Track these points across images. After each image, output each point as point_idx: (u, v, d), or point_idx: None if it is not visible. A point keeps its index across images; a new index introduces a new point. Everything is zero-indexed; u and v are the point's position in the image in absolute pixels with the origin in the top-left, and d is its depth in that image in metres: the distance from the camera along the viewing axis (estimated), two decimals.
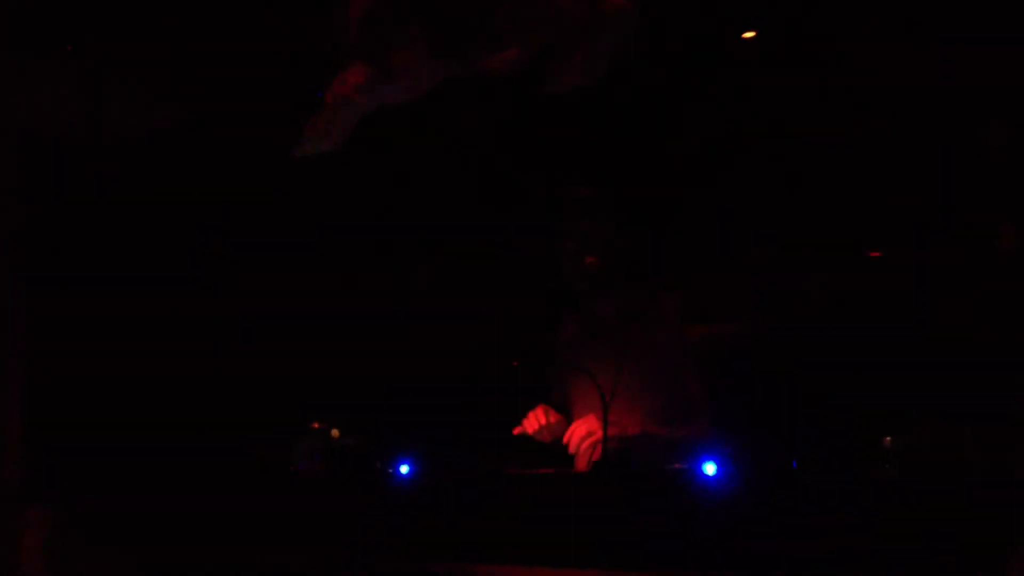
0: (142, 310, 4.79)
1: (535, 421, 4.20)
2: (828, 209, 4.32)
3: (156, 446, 4.52)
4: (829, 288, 4.18)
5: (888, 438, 3.85)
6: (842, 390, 4.09)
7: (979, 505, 3.65)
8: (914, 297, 4.10)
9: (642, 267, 4.29)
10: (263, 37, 4.49)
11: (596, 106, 4.52)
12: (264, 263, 4.81)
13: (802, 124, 4.37)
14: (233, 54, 4.59)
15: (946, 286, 4.10)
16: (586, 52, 4.12)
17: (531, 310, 4.70)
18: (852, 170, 4.28)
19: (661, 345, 4.18)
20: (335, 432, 4.48)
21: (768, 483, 3.65)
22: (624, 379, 3.98)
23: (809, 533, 3.42)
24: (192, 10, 4.55)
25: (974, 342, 4.03)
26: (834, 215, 4.30)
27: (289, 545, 3.94)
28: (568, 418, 4.25)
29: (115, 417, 4.70)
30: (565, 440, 4.10)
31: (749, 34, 4.50)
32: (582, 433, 4.04)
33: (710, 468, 3.58)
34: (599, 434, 3.91)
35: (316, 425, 4.39)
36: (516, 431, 4.23)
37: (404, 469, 3.88)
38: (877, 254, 4.15)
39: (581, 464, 4.10)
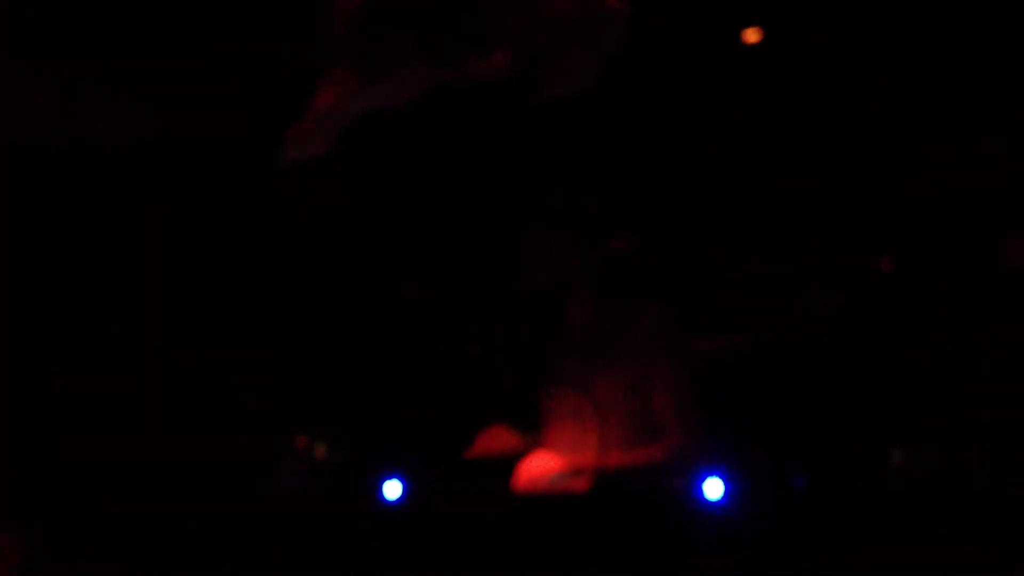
0: (119, 320, 4.69)
1: (489, 443, 4.08)
2: (831, 222, 4.24)
3: (134, 463, 4.41)
4: (835, 302, 4.10)
5: (896, 453, 3.77)
6: (849, 405, 4.00)
7: (986, 521, 3.58)
8: (919, 310, 4.03)
9: (619, 279, 4.19)
10: (248, 41, 4.39)
11: (585, 111, 4.41)
12: (247, 270, 4.70)
13: (801, 136, 4.29)
14: (217, 60, 4.49)
15: (950, 300, 4.03)
16: (578, 57, 4.03)
17: (519, 321, 4.59)
18: (857, 182, 4.20)
19: (635, 361, 4.07)
20: (320, 449, 4.40)
21: (774, 502, 3.57)
22: (595, 398, 3.94)
23: (817, 551, 3.35)
24: (174, 16, 4.46)
25: (979, 357, 3.96)
26: (838, 228, 4.22)
27: (270, 570, 3.85)
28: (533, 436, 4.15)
29: (90, 436, 4.58)
30: (523, 471, 4.00)
31: (754, 35, 4.41)
32: (535, 474, 3.95)
33: (714, 488, 3.51)
34: (556, 469, 3.87)
35: (303, 442, 4.31)
36: (467, 455, 4.10)
37: (393, 490, 3.79)
38: (882, 268, 4.08)
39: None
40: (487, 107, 4.32)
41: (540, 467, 3.92)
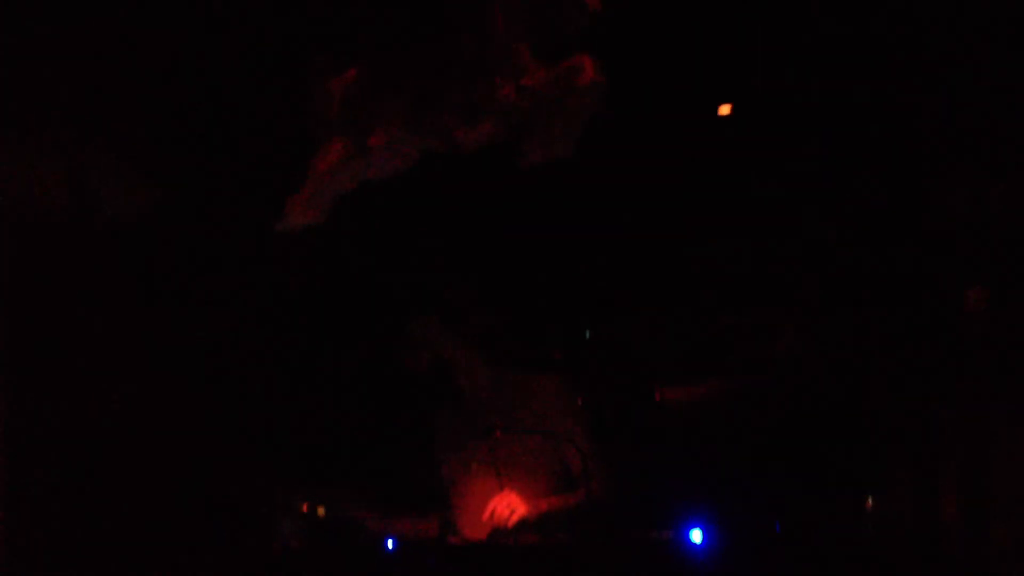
0: (122, 391, 4.80)
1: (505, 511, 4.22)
2: (801, 274, 4.41)
3: (138, 526, 4.51)
4: (803, 350, 4.25)
5: (870, 499, 3.89)
6: (823, 451, 4.13)
7: (958, 567, 3.69)
8: (887, 359, 4.18)
9: (514, 347, 4.38)
10: (246, 114, 4.58)
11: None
12: (252, 335, 4.83)
13: (768, 190, 4.47)
14: (217, 132, 4.67)
15: (917, 348, 4.18)
16: (558, 127, 4.23)
17: None
18: (823, 234, 4.38)
19: (547, 417, 4.26)
20: (321, 510, 4.52)
21: (754, 547, 3.68)
22: (510, 452, 4.16)
23: None
24: (177, 90, 4.64)
25: (947, 405, 4.09)
26: (808, 279, 4.39)
27: None
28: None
29: (91, 495, 4.68)
30: (486, 517, 4.14)
31: (725, 109, 4.62)
32: (504, 513, 4.10)
33: (696, 535, 3.62)
34: (522, 511, 4.05)
35: (305, 507, 4.43)
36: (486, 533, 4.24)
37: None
38: (852, 316, 4.23)
39: (482, 533, 4.17)
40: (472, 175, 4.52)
41: (510, 502, 4.08)
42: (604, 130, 4.28)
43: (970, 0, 4.16)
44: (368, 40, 4.42)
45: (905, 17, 4.23)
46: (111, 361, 4.78)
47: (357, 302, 4.78)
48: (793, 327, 4.33)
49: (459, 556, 3.93)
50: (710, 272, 4.53)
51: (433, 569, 3.86)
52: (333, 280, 4.79)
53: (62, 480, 4.56)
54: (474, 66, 4.28)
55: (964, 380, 4.08)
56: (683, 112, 4.54)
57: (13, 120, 4.54)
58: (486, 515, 4.15)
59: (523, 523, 4.09)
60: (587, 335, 4.72)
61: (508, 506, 4.11)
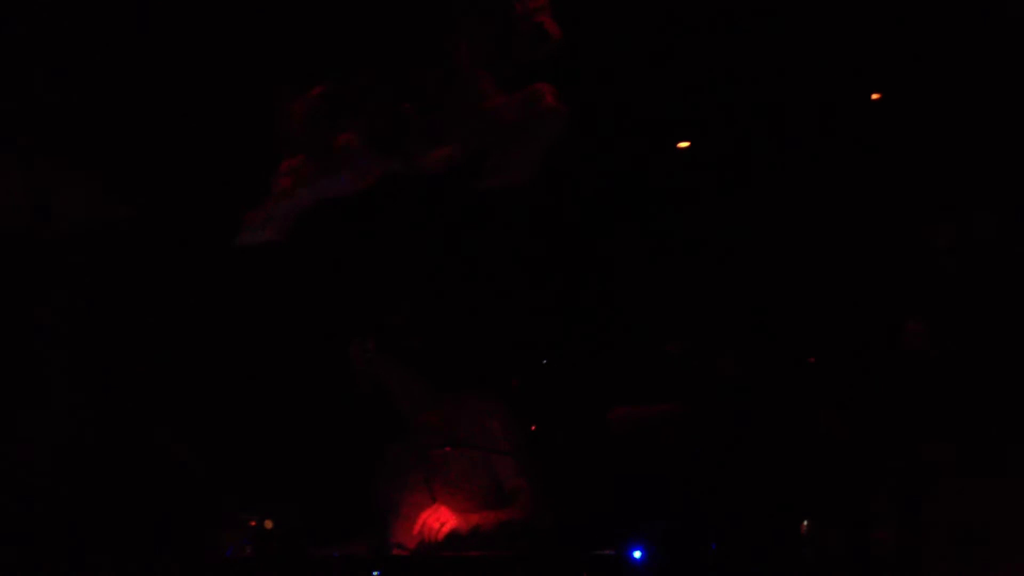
0: (71, 402, 4.81)
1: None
2: (745, 300, 4.52)
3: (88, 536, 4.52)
4: (742, 376, 4.36)
5: (805, 523, 3.99)
6: (761, 474, 4.23)
7: None
8: (824, 388, 4.29)
9: (454, 369, 4.48)
10: (208, 129, 4.63)
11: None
12: (208, 348, 4.86)
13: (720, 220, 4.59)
14: (178, 146, 4.72)
15: (854, 378, 4.29)
16: (518, 151, 4.32)
17: None
18: (763, 262, 4.50)
19: (478, 436, 4.35)
20: (268, 523, 4.56)
21: (691, 567, 3.76)
22: (445, 468, 4.23)
23: None
24: (138, 104, 4.68)
25: (884, 433, 4.20)
26: (752, 306, 4.50)
27: None
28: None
29: (43, 505, 4.68)
30: (416, 531, 4.21)
31: (683, 144, 4.74)
32: (434, 526, 4.17)
33: (636, 555, 3.70)
34: (452, 524, 4.13)
35: (253, 523, 4.47)
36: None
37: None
38: (791, 347, 4.35)
39: (411, 543, 4.23)
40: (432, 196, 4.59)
41: (439, 516, 4.14)
42: (562, 157, 4.38)
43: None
44: (333, 61, 4.49)
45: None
46: (63, 371, 4.79)
47: (302, 320, 4.84)
48: (733, 354, 4.44)
49: (395, 568, 3.98)
50: (655, 298, 4.64)
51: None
52: (281, 298, 4.84)
53: (13, 492, 4.57)
54: (436, 91, 4.36)
55: (901, 409, 4.20)
56: (641, 142, 4.65)
57: None
58: (416, 528, 4.21)
59: (454, 536, 4.15)
60: (544, 361, 4.80)
61: (438, 519, 4.18)
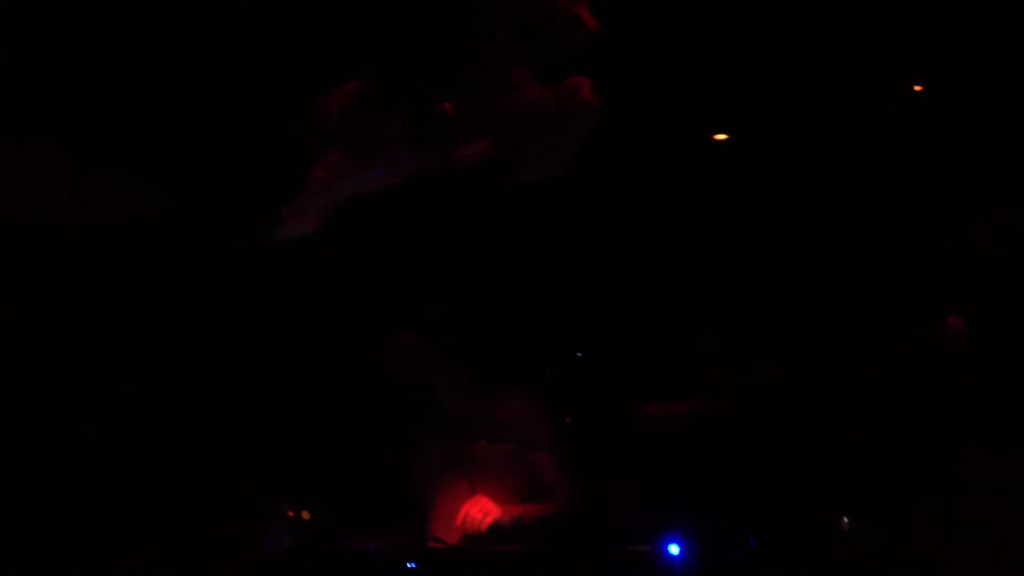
0: (113, 393, 4.84)
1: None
2: (782, 295, 4.49)
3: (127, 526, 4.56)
4: (781, 373, 4.33)
5: (845, 519, 3.97)
6: (800, 469, 4.20)
7: None
8: (863, 385, 4.26)
9: (492, 363, 4.47)
10: (245, 122, 4.65)
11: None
12: (248, 343, 4.89)
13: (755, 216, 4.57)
14: (217, 140, 4.74)
15: (893, 376, 4.26)
16: (553, 145, 4.31)
17: None
18: (801, 252, 4.47)
19: (516, 430, 4.34)
20: (305, 514, 4.59)
21: (727, 564, 3.75)
22: (484, 461, 4.24)
23: None
24: (177, 97, 4.71)
25: (927, 427, 4.17)
26: (788, 301, 4.47)
27: None
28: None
29: (81, 495, 4.72)
30: (459, 522, 4.22)
31: (721, 136, 4.71)
32: (477, 516, 4.18)
33: (673, 549, 3.70)
34: (495, 515, 4.11)
35: (291, 513, 4.51)
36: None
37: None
38: (829, 343, 4.32)
39: (450, 535, 4.23)
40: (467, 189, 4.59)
41: (483, 507, 4.16)
42: (598, 150, 4.37)
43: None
44: (369, 54, 4.50)
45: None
46: (104, 362, 4.83)
47: (341, 314, 4.85)
48: (772, 350, 4.42)
49: (434, 560, 4.00)
50: (693, 294, 4.62)
51: (410, 572, 3.93)
52: (319, 290, 4.86)
53: (53, 482, 4.61)
54: (472, 84, 4.36)
55: (941, 407, 4.16)
56: (678, 135, 4.63)
57: (14, 122, 4.59)
58: (459, 519, 4.22)
59: (496, 528, 4.16)
60: (579, 355, 4.80)
61: (481, 510, 4.19)
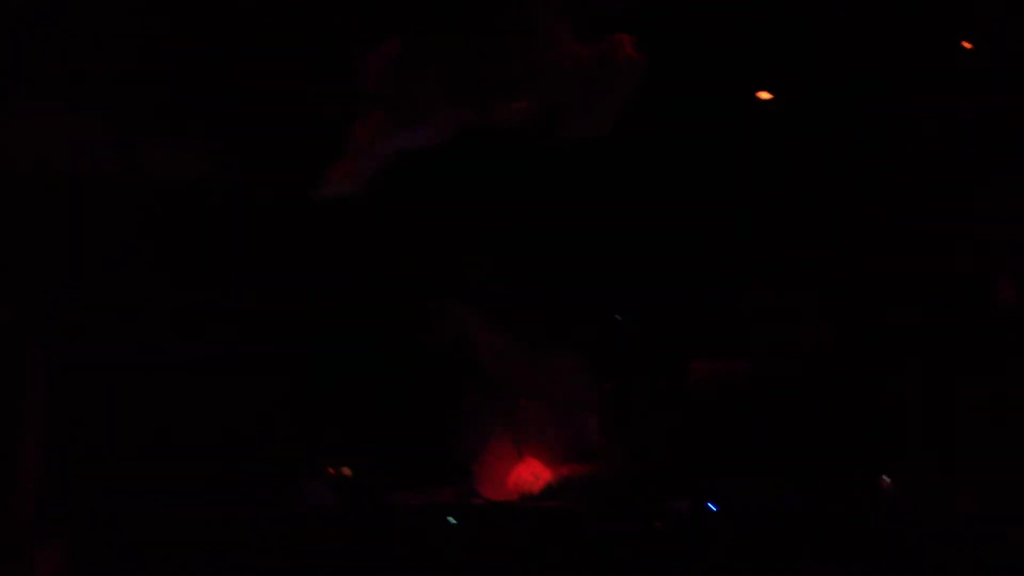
0: (162, 353, 4.88)
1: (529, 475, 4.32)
2: (825, 256, 4.44)
3: (173, 484, 4.61)
4: (827, 333, 4.29)
5: (886, 479, 3.93)
6: (840, 431, 4.17)
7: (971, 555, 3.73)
8: (908, 346, 4.21)
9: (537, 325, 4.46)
10: (289, 83, 4.64)
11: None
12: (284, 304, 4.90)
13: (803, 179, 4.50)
14: (261, 101, 4.74)
15: (941, 339, 4.20)
16: (595, 103, 4.27)
17: None
18: (851, 221, 4.41)
19: (563, 392, 4.34)
20: (347, 471, 4.63)
21: (769, 522, 3.74)
22: (530, 423, 4.23)
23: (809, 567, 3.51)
24: (222, 61, 4.71)
25: (967, 388, 4.11)
26: (831, 262, 4.41)
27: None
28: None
29: (129, 454, 4.77)
30: (511, 484, 4.24)
31: (765, 95, 4.64)
32: (529, 478, 4.21)
33: (713, 507, 3.71)
34: (546, 477, 4.12)
35: (332, 471, 4.55)
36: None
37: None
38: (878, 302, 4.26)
39: (507, 496, 4.27)
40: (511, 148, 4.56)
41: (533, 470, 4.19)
42: (642, 110, 4.33)
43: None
44: (410, 14, 4.48)
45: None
46: (153, 320, 4.86)
47: (389, 276, 4.86)
48: (818, 313, 4.37)
49: (471, 515, 4.04)
50: (740, 257, 4.57)
51: (455, 529, 3.97)
52: (369, 250, 4.87)
53: (101, 435, 4.67)
54: (514, 41, 4.33)
55: (990, 371, 4.09)
56: (721, 95, 4.57)
57: (64, 86, 4.61)
58: (511, 481, 4.25)
59: (547, 489, 4.20)
60: (618, 318, 4.78)
61: (533, 473, 4.23)
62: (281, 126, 4.78)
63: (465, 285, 4.59)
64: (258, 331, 4.92)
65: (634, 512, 3.89)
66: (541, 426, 4.41)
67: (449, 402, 4.64)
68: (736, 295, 4.54)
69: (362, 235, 4.83)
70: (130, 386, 4.76)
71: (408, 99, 4.43)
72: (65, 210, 4.68)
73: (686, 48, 4.46)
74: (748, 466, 4.15)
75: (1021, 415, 4.10)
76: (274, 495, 4.56)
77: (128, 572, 4.32)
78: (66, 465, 4.61)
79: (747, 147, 4.59)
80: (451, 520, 3.96)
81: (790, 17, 4.36)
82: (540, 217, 4.77)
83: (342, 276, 4.89)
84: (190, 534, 4.31)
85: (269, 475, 4.70)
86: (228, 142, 4.89)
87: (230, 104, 4.79)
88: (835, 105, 4.55)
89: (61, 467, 4.59)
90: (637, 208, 4.69)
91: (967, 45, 4.42)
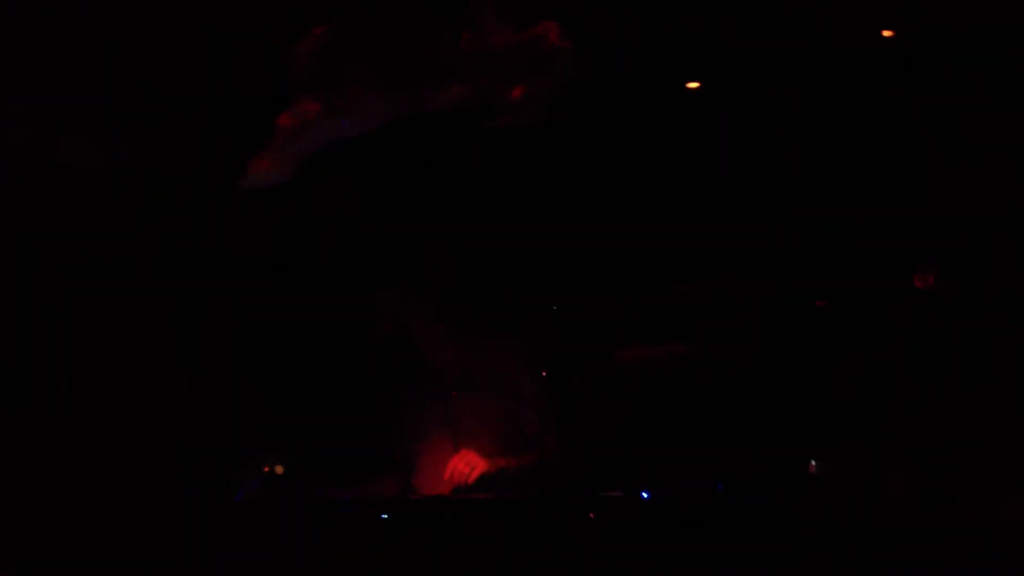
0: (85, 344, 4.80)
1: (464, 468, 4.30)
2: (762, 242, 4.49)
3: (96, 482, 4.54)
4: (761, 316, 4.34)
5: (813, 463, 3.98)
6: (770, 414, 4.22)
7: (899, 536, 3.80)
8: (838, 326, 4.27)
9: (475, 315, 4.45)
10: (214, 70, 4.59)
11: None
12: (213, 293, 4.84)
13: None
14: (185, 88, 4.68)
15: (867, 323, 4.27)
16: (526, 91, 4.27)
17: None
18: (779, 199, 4.46)
19: (500, 383, 4.35)
20: (279, 468, 4.58)
21: (697, 507, 3.77)
22: (467, 414, 4.26)
23: (737, 556, 3.55)
24: (143, 45, 4.65)
25: (896, 371, 4.18)
26: (767, 248, 4.46)
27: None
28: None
29: (49, 449, 4.69)
30: (447, 475, 4.23)
31: (694, 84, 4.68)
32: (464, 470, 4.20)
33: (645, 495, 3.72)
34: (481, 468, 4.15)
35: (266, 469, 4.50)
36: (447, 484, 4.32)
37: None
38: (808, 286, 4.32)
39: (443, 488, 4.28)
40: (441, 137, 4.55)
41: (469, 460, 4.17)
42: (573, 97, 4.33)
43: None
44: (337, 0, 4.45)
45: None
46: (78, 310, 4.79)
47: (322, 267, 4.82)
48: (749, 296, 4.41)
49: (418, 512, 4.00)
50: (672, 242, 4.60)
51: (391, 524, 3.93)
52: (298, 243, 4.82)
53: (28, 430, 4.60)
54: (442, 27, 4.31)
55: (914, 354, 4.16)
56: (652, 83, 4.59)
57: None
58: (447, 473, 4.23)
59: (482, 480, 4.18)
60: (554, 308, 4.79)
61: (468, 464, 4.19)
62: (206, 114, 4.73)
63: (403, 275, 4.56)
64: (186, 321, 4.86)
65: (569, 503, 3.89)
66: (478, 417, 4.38)
67: (385, 393, 4.61)
68: (671, 280, 4.57)
69: (295, 223, 4.78)
70: (49, 377, 4.69)
71: (336, 87, 4.41)
72: None
73: (615, 35, 4.47)
74: (681, 453, 4.18)
75: (944, 397, 4.18)
76: (203, 492, 4.51)
77: (49, 567, 4.25)
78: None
79: (679, 133, 4.62)
80: (383, 516, 3.93)
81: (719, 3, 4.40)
82: (476, 206, 4.76)
83: (275, 265, 4.85)
84: (117, 531, 4.25)
85: (198, 471, 4.65)
86: (154, 128, 4.82)
87: (156, 89, 4.73)
88: (768, 89, 4.58)
89: None
90: (572, 196, 4.70)
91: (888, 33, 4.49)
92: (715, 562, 3.58)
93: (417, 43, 4.34)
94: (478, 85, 4.33)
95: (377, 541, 3.96)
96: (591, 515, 3.77)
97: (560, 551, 3.77)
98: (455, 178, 4.77)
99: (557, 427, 4.31)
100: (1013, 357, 4.02)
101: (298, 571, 4.02)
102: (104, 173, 4.79)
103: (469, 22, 4.30)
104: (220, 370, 4.85)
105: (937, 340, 4.13)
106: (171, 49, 4.64)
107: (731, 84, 4.62)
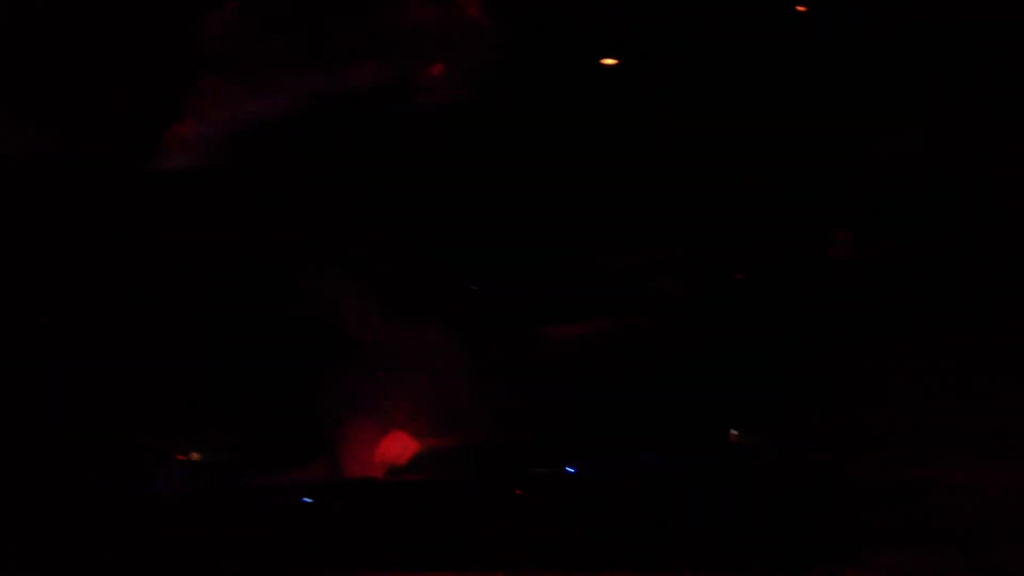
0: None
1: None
2: (681, 216, 4.52)
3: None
4: (682, 291, 4.37)
5: (735, 432, 4.03)
6: (691, 385, 4.25)
7: (821, 499, 3.87)
8: (758, 298, 4.32)
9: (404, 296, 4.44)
10: (122, 50, 4.48)
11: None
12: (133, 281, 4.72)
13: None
14: (94, 70, 4.56)
15: (783, 291, 4.33)
16: (445, 69, 4.25)
17: None
18: (703, 179, 4.50)
19: (428, 363, 4.35)
20: (195, 455, 4.50)
21: (622, 480, 3.80)
22: (396, 396, 4.24)
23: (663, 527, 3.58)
24: (49, 26, 4.53)
25: (814, 345, 4.24)
26: (688, 222, 4.49)
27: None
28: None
29: None
30: (378, 457, 4.21)
31: (609, 61, 4.69)
32: (396, 451, 4.19)
33: (572, 470, 3.75)
34: (413, 449, 4.13)
35: (181, 457, 4.41)
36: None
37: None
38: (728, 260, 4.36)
39: (374, 471, 4.25)
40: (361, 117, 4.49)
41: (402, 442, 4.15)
42: (496, 76, 4.31)
43: None
44: None
45: None
46: None
47: (251, 250, 4.73)
48: (667, 269, 4.44)
49: (334, 494, 3.96)
50: (592, 218, 4.61)
51: (317, 509, 3.89)
52: (225, 227, 4.72)
53: None
54: (361, 4, 4.27)
55: (830, 321, 4.23)
56: (571, 60, 4.59)
57: None
58: (378, 455, 4.20)
59: (414, 461, 4.17)
60: (474, 287, 4.76)
61: (399, 445, 4.18)
62: (117, 95, 4.62)
63: (331, 257, 4.50)
64: (104, 312, 4.74)
65: (497, 480, 3.88)
66: (407, 398, 4.35)
67: (313, 377, 4.54)
68: (591, 257, 4.58)
69: (220, 206, 4.68)
70: None
71: (250, 64, 4.33)
72: None
73: (535, 11, 4.47)
74: (607, 427, 4.19)
75: (861, 362, 4.25)
76: (121, 483, 4.39)
77: None
78: None
79: (597, 110, 4.63)
80: (306, 500, 3.88)
81: None
82: (401, 185, 4.71)
83: (199, 249, 4.74)
84: (40, 527, 4.14)
85: (115, 463, 4.53)
86: (61, 112, 4.69)
87: (62, 73, 4.61)
88: (685, 64, 4.61)
89: None
90: (494, 174, 4.68)
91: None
92: (640, 534, 3.60)
93: (334, 18, 4.28)
94: (398, 63, 4.29)
95: (303, 526, 3.90)
96: (518, 492, 3.77)
97: (488, 528, 3.76)
98: (377, 161, 4.72)
99: (483, 406, 4.30)
100: (930, 322, 4.11)
101: (221, 560, 3.95)
102: (13, 161, 4.66)
103: None
104: (144, 355, 4.73)
105: (854, 306, 4.21)
106: (78, 28, 4.53)
107: (650, 59, 4.64)
